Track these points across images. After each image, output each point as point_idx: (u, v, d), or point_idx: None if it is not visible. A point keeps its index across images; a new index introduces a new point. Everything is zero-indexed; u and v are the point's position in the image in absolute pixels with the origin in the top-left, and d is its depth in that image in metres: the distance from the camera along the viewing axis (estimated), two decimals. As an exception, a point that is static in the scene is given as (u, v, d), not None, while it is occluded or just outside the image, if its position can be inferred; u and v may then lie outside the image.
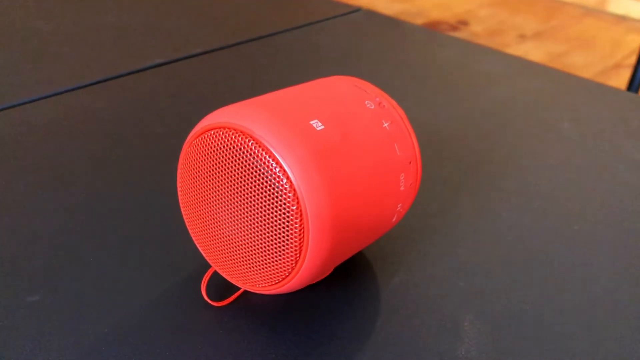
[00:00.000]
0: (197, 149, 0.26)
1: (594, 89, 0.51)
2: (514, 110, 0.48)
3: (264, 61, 0.53)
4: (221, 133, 0.24)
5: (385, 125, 0.26)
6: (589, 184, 0.39)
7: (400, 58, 0.55)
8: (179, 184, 0.27)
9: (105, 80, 0.48)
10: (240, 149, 0.24)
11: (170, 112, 0.44)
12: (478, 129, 0.45)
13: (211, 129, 0.25)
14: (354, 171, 0.24)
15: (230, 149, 0.24)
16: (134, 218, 0.34)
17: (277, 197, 0.23)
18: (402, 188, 0.27)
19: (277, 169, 0.23)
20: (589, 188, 0.38)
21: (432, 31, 0.63)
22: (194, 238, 0.28)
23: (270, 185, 0.23)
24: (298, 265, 0.24)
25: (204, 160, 0.25)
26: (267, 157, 0.23)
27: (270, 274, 0.25)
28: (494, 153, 0.42)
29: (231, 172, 0.24)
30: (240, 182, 0.24)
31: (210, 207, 0.26)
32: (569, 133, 0.44)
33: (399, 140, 0.27)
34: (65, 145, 0.39)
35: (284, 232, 0.23)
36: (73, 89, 0.47)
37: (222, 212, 0.25)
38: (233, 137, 0.24)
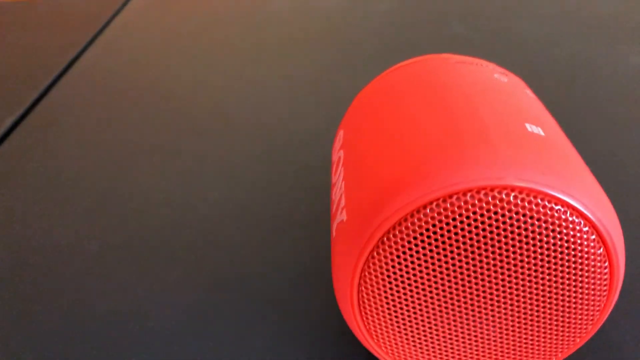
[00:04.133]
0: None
1: None
2: None
3: None
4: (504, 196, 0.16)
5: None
6: None
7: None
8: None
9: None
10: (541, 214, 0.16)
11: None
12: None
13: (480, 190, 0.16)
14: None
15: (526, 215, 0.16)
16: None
17: (586, 260, 0.17)
18: None
19: (586, 229, 0.17)
20: None
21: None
22: None
23: (576, 249, 0.17)
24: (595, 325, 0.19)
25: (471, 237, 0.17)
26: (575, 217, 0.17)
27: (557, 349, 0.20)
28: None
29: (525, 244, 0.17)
30: (528, 252, 0.17)
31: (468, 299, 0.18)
32: None
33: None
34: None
35: (592, 302, 0.18)
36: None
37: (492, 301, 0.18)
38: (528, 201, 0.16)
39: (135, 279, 0.28)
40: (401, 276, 0.17)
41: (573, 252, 0.17)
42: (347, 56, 0.49)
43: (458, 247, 0.17)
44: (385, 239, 0.17)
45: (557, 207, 0.17)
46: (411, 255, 0.17)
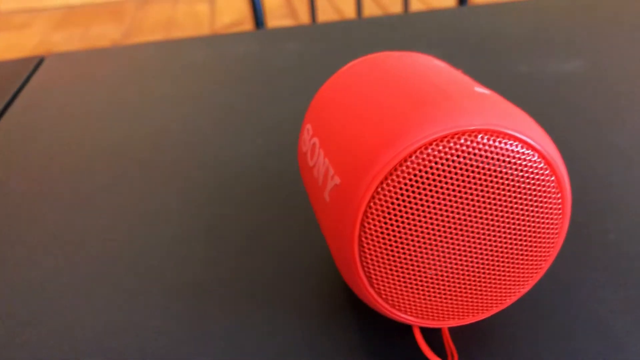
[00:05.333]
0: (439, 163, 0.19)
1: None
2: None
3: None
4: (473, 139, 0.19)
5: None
6: None
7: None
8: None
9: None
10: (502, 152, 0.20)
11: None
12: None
13: (452, 136, 0.19)
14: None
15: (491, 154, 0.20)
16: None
17: (544, 189, 0.21)
18: None
19: (541, 162, 0.21)
20: None
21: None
22: (381, 297, 0.22)
23: (537, 180, 0.21)
24: (555, 249, 0.23)
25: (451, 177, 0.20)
26: (527, 149, 0.20)
27: (526, 275, 0.23)
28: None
29: (492, 179, 0.20)
30: (503, 186, 0.20)
31: (448, 237, 0.21)
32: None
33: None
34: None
35: (551, 226, 0.22)
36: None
37: (467, 236, 0.21)
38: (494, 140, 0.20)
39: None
40: (400, 217, 0.20)
41: (534, 182, 0.21)
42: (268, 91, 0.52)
43: (446, 186, 0.20)
44: (383, 185, 0.20)
45: (518, 145, 0.20)
46: (408, 196, 0.20)
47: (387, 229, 0.20)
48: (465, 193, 0.20)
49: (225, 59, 0.60)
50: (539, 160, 0.20)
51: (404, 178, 0.20)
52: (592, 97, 0.46)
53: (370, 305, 0.23)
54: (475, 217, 0.21)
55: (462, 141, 0.19)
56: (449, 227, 0.21)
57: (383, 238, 0.20)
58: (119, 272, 0.31)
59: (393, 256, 0.21)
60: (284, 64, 0.58)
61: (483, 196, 0.20)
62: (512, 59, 0.55)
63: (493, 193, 0.20)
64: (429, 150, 0.19)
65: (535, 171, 0.20)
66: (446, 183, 0.20)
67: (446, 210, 0.20)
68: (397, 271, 0.21)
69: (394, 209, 0.20)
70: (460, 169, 0.20)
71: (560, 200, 0.21)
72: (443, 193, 0.20)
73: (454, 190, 0.20)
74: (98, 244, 0.33)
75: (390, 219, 0.20)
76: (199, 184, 0.38)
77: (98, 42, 2.52)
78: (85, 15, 2.95)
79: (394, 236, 0.20)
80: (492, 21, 0.65)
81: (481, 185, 0.20)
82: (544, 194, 0.21)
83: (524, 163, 0.20)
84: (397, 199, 0.20)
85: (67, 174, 0.41)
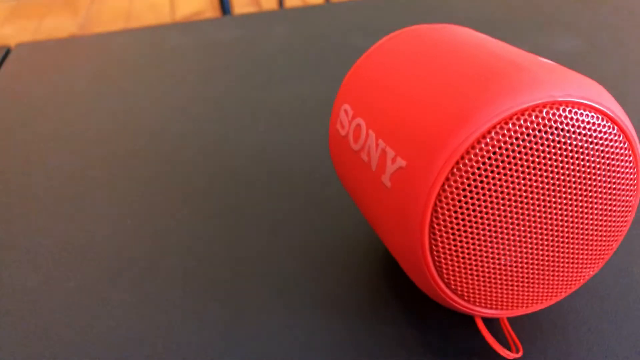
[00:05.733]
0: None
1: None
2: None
3: None
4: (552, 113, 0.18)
5: None
6: None
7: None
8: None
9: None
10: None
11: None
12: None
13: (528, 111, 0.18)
14: None
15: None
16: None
17: (622, 163, 0.20)
18: None
19: (620, 135, 0.19)
20: None
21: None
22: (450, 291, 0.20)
23: (616, 154, 0.19)
24: (627, 226, 0.21)
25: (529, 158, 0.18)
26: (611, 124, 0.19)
27: (597, 256, 0.21)
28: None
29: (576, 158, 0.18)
30: (584, 162, 0.19)
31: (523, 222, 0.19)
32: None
33: None
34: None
35: (625, 203, 0.20)
36: None
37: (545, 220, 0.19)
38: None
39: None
40: (475, 201, 0.18)
41: (613, 157, 0.19)
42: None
43: (526, 164, 0.18)
44: (459, 166, 0.18)
45: (600, 118, 0.19)
46: (487, 176, 0.18)
47: (461, 214, 0.18)
48: (545, 172, 0.18)
49: (211, 45, 0.57)
50: (618, 133, 0.19)
51: (484, 156, 0.18)
52: (588, 75, 0.45)
53: (432, 296, 0.21)
54: (553, 196, 0.19)
55: (543, 114, 0.18)
56: (526, 210, 0.19)
57: (457, 224, 0.19)
58: (135, 272, 0.28)
59: (467, 244, 0.19)
60: (273, 48, 0.55)
61: (563, 174, 0.19)
62: (507, 38, 0.53)
63: (573, 170, 0.19)
64: (510, 126, 0.18)
65: (616, 145, 0.19)
66: (526, 161, 0.18)
67: (524, 192, 0.19)
68: (470, 260, 0.19)
69: (469, 192, 0.18)
70: (542, 145, 0.18)
71: (636, 176, 0.20)
72: (522, 172, 0.18)
73: (533, 169, 0.18)
74: (84, 237, 0.30)
75: (464, 204, 0.18)
76: (204, 176, 0.36)
77: (52, 35, 2.42)
78: (36, 7, 2.83)
79: (468, 222, 0.19)
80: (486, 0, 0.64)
81: (562, 162, 0.18)
82: (622, 169, 0.20)
83: (605, 137, 0.19)
84: (474, 180, 0.18)
85: (40, 166, 0.38)
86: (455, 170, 0.18)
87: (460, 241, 0.19)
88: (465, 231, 0.19)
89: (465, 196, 0.18)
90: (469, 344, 0.23)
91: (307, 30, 0.60)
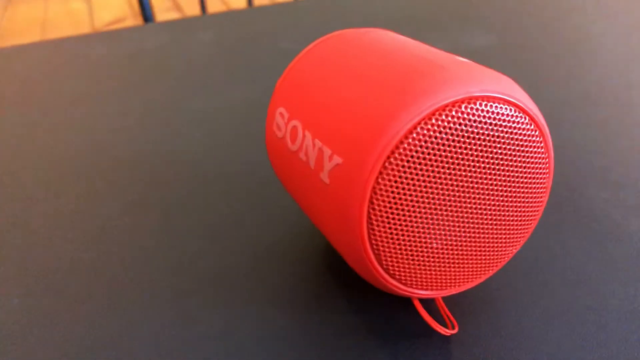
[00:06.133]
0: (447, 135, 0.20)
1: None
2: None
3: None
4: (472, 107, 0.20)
5: None
6: None
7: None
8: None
9: None
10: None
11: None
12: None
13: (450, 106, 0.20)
14: None
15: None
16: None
17: (535, 150, 0.22)
18: None
19: (531, 124, 0.21)
20: None
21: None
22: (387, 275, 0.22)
23: (529, 142, 0.21)
24: (542, 206, 0.24)
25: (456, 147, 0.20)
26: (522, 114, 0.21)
27: (518, 234, 0.24)
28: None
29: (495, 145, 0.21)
30: (502, 150, 0.21)
31: (452, 207, 0.21)
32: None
33: None
34: None
35: (540, 185, 0.23)
36: None
37: (470, 204, 0.22)
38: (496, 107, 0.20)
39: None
40: (408, 191, 0.20)
41: (527, 144, 0.21)
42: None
43: (451, 154, 0.20)
44: (390, 160, 0.20)
45: (513, 110, 0.21)
46: (416, 168, 0.20)
47: (395, 203, 0.20)
48: (467, 160, 0.20)
49: (136, 54, 0.57)
50: (530, 122, 0.21)
51: (412, 150, 0.19)
52: (501, 69, 0.49)
53: (373, 282, 0.23)
54: (476, 182, 0.21)
55: (462, 109, 0.20)
56: (452, 196, 0.21)
57: (392, 214, 0.20)
58: (96, 282, 0.28)
59: (402, 231, 0.21)
60: (201, 55, 0.55)
61: (484, 161, 0.21)
62: (426, 37, 0.56)
63: (493, 157, 0.21)
64: (433, 121, 0.19)
65: (528, 133, 0.21)
66: (451, 151, 0.20)
67: (450, 180, 0.20)
68: (405, 246, 0.21)
69: (402, 183, 0.20)
70: (463, 136, 0.20)
71: (547, 160, 0.22)
72: (448, 162, 0.20)
73: (458, 158, 0.20)
74: (54, 243, 0.30)
75: (398, 194, 0.20)
76: (139, 185, 0.36)
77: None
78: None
79: (402, 211, 0.20)
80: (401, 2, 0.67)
81: (482, 150, 0.20)
82: (535, 155, 0.22)
83: (519, 126, 0.21)
84: (406, 171, 0.20)
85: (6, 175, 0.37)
86: (387, 164, 0.20)
87: (396, 229, 0.21)
88: (399, 220, 0.20)
89: (397, 187, 0.20)
90: (410, 325, 0.25)
91: (233, 35, 0.60)
